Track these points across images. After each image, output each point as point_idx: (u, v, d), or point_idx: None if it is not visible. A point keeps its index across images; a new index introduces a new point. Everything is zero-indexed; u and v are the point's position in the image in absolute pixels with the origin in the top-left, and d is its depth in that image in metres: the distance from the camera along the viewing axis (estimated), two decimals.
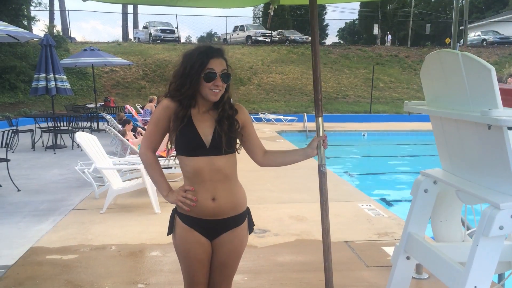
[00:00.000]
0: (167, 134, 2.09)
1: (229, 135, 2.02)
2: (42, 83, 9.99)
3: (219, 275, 2.16)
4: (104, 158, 5.82)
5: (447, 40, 28.27)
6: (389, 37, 34.87)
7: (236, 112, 2.09)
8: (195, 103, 2.03)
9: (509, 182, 2.07)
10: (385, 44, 33.11)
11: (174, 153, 6.73)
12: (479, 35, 34.45)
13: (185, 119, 1.98)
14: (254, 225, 2.24)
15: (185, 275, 2.15)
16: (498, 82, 2.04)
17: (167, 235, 2.16)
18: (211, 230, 2.06)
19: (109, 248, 4.21)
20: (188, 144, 1.98)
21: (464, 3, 34.93)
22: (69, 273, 3.64)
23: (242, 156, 2.19)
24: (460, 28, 31.85)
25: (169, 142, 2.10)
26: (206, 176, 1.98)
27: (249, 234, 2.22)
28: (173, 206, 2.14)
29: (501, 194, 2.10)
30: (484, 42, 32.87)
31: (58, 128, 11.02)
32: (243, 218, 2.14)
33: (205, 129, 2.00)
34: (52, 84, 10.02)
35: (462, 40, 33.53)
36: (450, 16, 30.71)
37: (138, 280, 3.52)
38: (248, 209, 2.19)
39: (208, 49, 2.00)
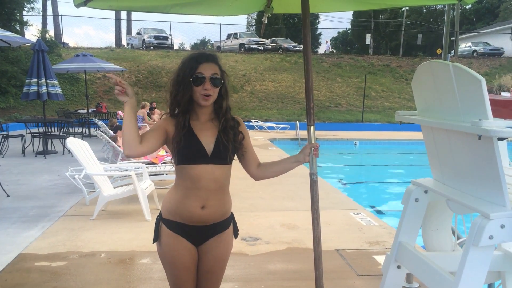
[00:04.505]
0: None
1: (234, 145, 2.05)
2: (33, 88, 9.92)
3: (206, 282, 2.15)
4: (95, 164, 5.78)
5: (439, 51, 28.63)
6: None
7: (238, 124, 2.12)
8: (193, 112, 2.04)
9: (499, 192, 2.08)
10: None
11: (166, 159, 6.71)
12: (470, 46, 34.86)
13: (186, 126, 1.98)
14: (238, 230, 2.25)
15: (172, 284, 2.13)
16: (488, 93, 2.07)
17: (153, 243, 2.13)
18: (197, 236, 2.05)
19: (98, 255, 4.17)
20: (189, 151, 1.97)
21: (455, 14, 35.37)
22: (57, 280, 3.60)
23: (234, 164, 2.19)
24: (451, 39, 32.22)
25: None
26: (203, 184, 1.98)
27: (234, 239, 2.22)
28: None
29: (491, 204, 2.12)
30: (475, 53, 33.27)
31: (49, 133, 10.95)
32: (229, 223, 2.15)
33: (207, 138, 2.01)
34: (44, 89, 9.96)
35: (453, 50, 33.93)
36: (442, 27, 31.06)
37: (127, 287, 3.49)
38: (232, 214, 2.19)
39: (199, 54, 2.02)
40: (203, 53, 2.04)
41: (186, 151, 1.97)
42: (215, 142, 2.01)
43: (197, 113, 2.05)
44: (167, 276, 2.13)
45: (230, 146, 2.03)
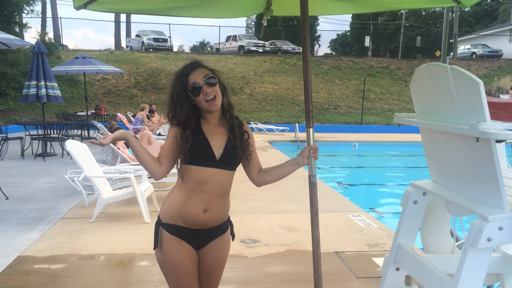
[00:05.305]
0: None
1: (241, 145, 2.06)
2: (32, 90, 9.93)
3: (206, 284, 2.16)
4: (94, 166, 5.78)
5: (437, 53, 28.62)
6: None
7: (241, 124, 2.14)
8: (203, 118, 2.05)
9: (497, 194, 2.09)
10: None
11: None
12: (468, 48, 34.95)
13: (190, 140, 1.97)
14: (234, 234, 2.27)
15: None
16: (487, 95, 2.07)
17: (154, 248, 2.11)
18: (198, 239, 2.06)
19: (97, 257, 4.17)
20: (198, 153, 1.97)
21: (454, 17, 35.44)
22: (56, 282, 3.60)
23: None
24: (450, 41, 32.27)
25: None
26: (208, 188, 1.99)
27: (232, 240, 2.24)
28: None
29: (489, 206, 2.12)
30: (474, 55, 33.34)
31: (48, 135, 10.94)
32: (227, 226, 2.18)
33: (217, 143, 2.02)
34: (43, 91, 9.96)
35: (452, 53, 34.00)
36: (440, 29, 31.12)
37: None
38: (229, 216, 2.21)
39: (183, 68, 2.03)
40: (186, 65, 2.04)
41: (196, 152, 1.97)
42: (225, 147, 2.02)
43: (207, 118, 2.06)
44: (169, 283, 2.10)
45: (238, 143, 2.04)
